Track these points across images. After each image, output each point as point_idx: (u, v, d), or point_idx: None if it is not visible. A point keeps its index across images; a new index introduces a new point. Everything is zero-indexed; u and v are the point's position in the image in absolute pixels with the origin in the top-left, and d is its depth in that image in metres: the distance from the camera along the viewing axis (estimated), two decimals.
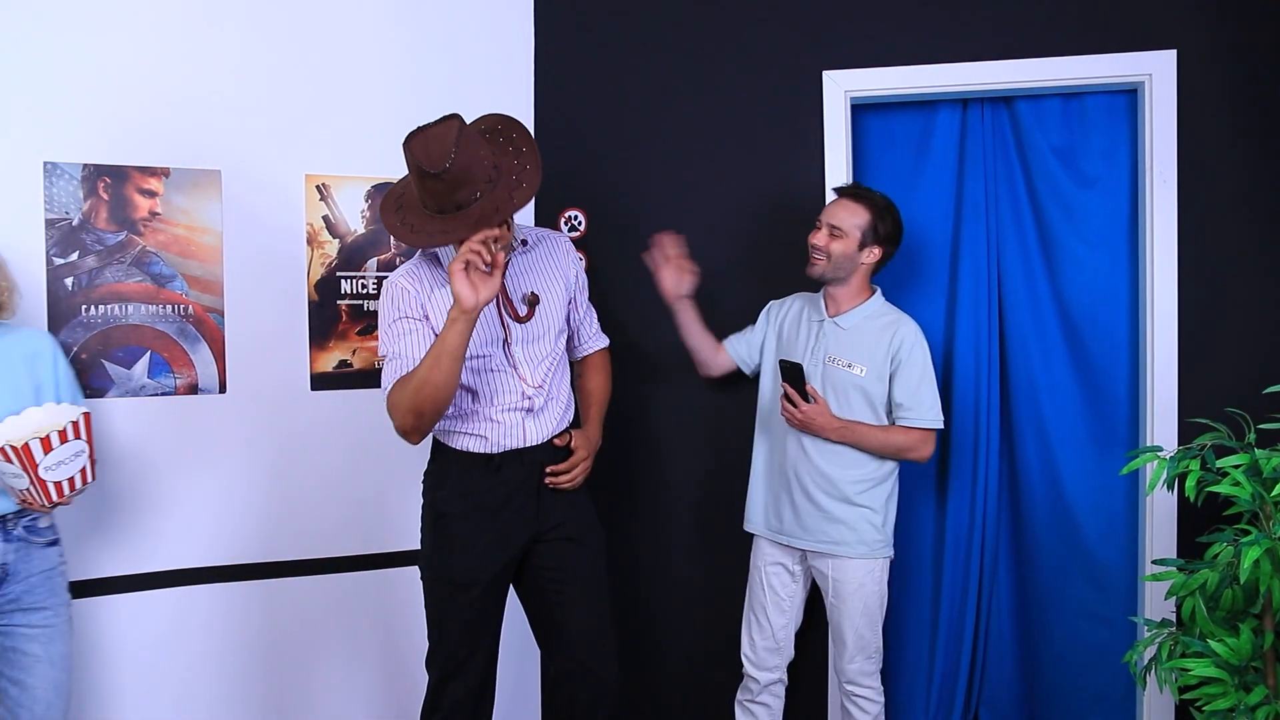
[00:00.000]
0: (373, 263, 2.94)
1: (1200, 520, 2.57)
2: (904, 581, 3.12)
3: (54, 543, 2.32)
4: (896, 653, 3.14)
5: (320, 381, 2.90)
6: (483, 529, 2.29)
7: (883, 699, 2.66)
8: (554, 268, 2.40)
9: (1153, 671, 2.33)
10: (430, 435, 2.32)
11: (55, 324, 2.61)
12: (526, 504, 2.32)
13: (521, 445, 2.31)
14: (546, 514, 2.34)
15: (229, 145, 2.79)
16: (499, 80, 2.98)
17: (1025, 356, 3.03)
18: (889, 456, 2.57)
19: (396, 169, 2.89)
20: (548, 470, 2.34)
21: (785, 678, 2.77)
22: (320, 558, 2.92)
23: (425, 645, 2.38)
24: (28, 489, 2.12)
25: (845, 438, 2.51)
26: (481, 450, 2.29)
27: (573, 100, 3.14)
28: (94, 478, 2.26)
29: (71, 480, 2.19)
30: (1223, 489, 2.12)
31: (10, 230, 2.57)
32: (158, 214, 2.73)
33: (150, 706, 2.75)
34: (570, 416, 2.44)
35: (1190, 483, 2.17)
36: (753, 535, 2.77)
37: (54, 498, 2.15)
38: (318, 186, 2.89)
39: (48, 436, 2.12)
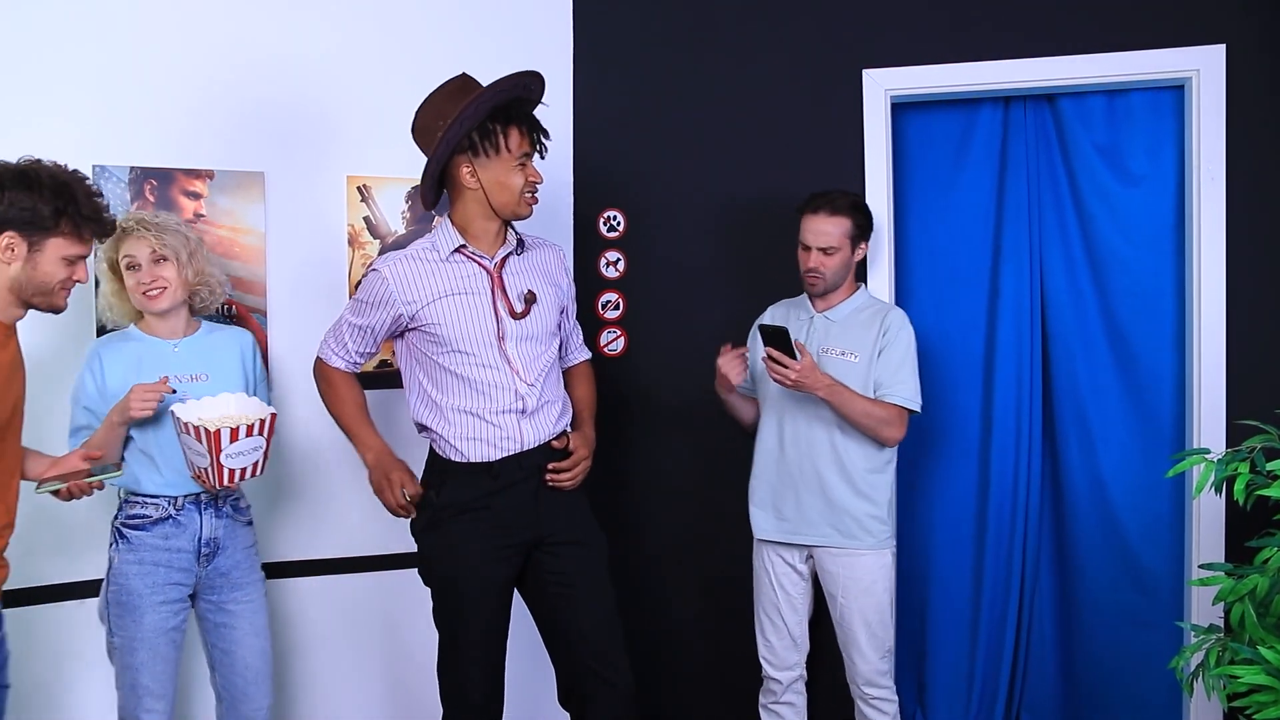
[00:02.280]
0: None
1: (1249, 524, 2.51)
2: (945, 583, 3.10)
3: (250, 522, 2.51)
4: (937, 655, 3.12)
5: (362, 381, 2.91)
6: (484, 537, 2.28)
7: (897, 697, 2.66)
8: (548, 275, 2.44)
9: (1200, 678, 2.29)
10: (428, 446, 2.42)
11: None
12: (526, 508, 2.31)
13: (519, 449, 2.31)
14: (547, 518, 2.33)
15: (272, 147, 2.82)
16: None
17: (1068, 357, 2.99)
18: (865, 429, 2.55)
19: None
20: (549, 467, 2.33)
21: (805, 673, 2.76)
22: (359, 556, 2.95)
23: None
24: (206, 469, 2.25)
25: (833, 396, 2.50)
26: (480, 458, 2.29)
27: (611, 101, 3.14)
28: (263, 471, 2.38)
29: (244, 470, 2.31)
30: (1273, 492, 2.08)
31: None
32: (202, 215, 2.77)
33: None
34: (568, 420, 2.44)
35: (1239, 486, 2.12)
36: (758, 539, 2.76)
37: (224, 482, 2.27)
38: (359, 188, 2.92)
39: (237, 428, 2.25)
